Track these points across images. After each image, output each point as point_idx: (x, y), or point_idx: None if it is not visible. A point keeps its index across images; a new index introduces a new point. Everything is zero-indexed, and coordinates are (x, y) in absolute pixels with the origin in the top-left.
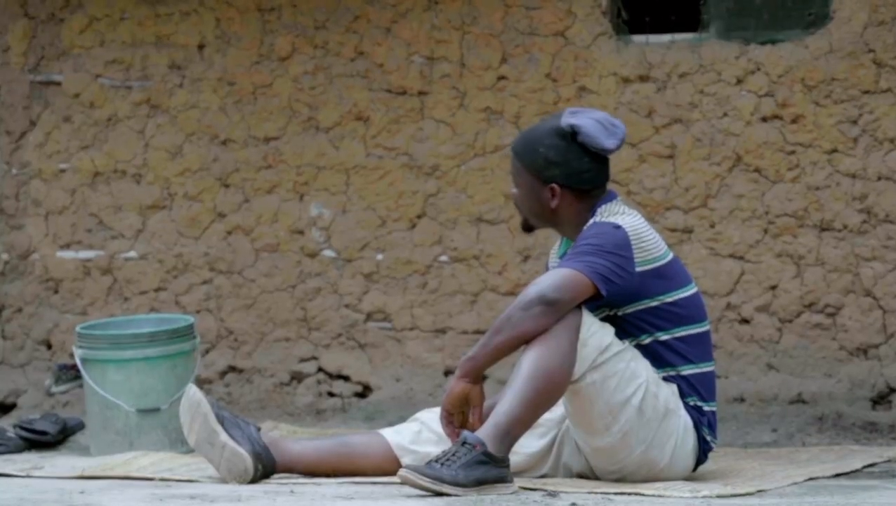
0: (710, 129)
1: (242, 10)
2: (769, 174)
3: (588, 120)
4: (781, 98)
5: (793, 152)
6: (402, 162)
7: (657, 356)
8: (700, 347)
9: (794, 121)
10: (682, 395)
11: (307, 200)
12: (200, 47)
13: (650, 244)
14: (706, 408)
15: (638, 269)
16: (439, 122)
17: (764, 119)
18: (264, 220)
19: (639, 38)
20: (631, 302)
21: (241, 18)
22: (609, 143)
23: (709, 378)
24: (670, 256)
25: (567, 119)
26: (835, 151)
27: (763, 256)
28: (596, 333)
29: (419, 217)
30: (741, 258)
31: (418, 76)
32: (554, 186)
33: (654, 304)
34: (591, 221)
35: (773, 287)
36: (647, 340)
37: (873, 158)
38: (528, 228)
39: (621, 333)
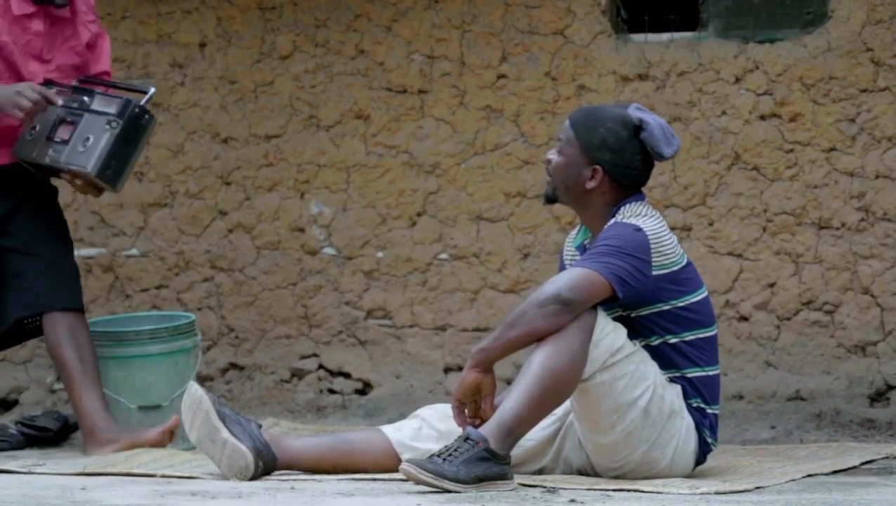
0: (709, 127)
1: (244, 9)
2: (768, 172)
3: (654, 121)
4: (780, 97)
5: (791, 151)
6: (402, 160)
7: (665, 358)
8: (707, 351)
9: (792, 119)
10: (686, 396)
11: (308, 197)
12: (202, 46)
13: (668, 249)
14: (709, 410)
15: (654, 273)
16: (439, 120)
17: (762, 117)
18: (265, 217)
19: (638, 37)
20: (644, 305)
21: (243, 17)
22: (667, 150)
23: (714, 381)
24: (685, 260)
25: (635, 112)
26: (833, 149)
27: (761, 254)
28: (609, 334)
29: (419, 215)
30: (740, 256)
31: (418, 75)
32: (598, 168)
33: (666, 308)
34: (613, 220)
35: (772, 285)
36: (656, 342)
37: (871, 156)
38: (551, 199)
39: (632, 334)
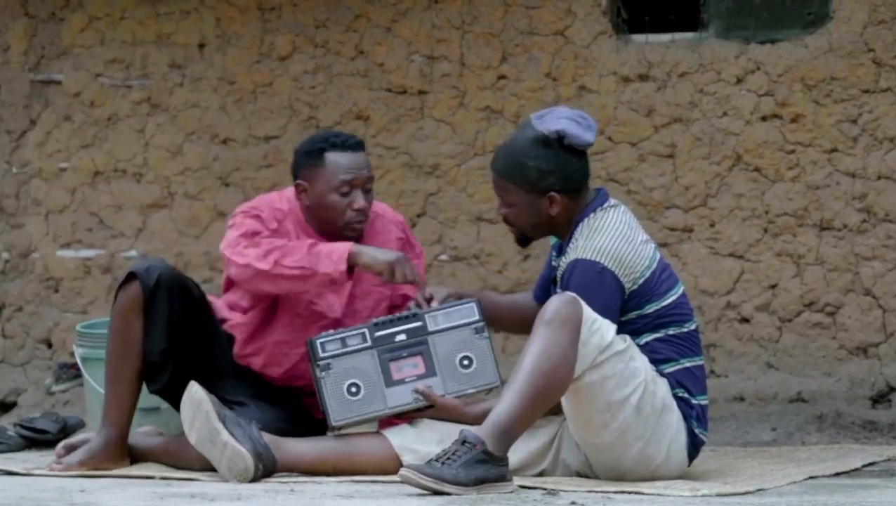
0: (710, 128)
1: (243, 10)
2: (769, 173)
3: (564, 121)
4: (781, 97)
5: (792, 151)
6: (402, 161)
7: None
8: (683, 345)
9: (793, 120)
10: (670, 386)
11: None
12: (201, 46)
13: (633, 263)
14: (694, 401)
15: (630, 288)
16: (439, 121)
17: (764, 118)
18: None
19: (638, 38)
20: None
21: (242, 17)
22: (590, 136)
23: (694, 373)
24: (654, 264)
25: (541, 126)
26: (834, 150)
27: (763, 256)
28: (596, 331)
29: (419, 216)
30: (741, 257)
31: (418, 75)
32: (553, 194)
33: (633, 315)
34: (573, 245)
35: (773, 286)
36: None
37: (873, 157)
38: (525, 242)
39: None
